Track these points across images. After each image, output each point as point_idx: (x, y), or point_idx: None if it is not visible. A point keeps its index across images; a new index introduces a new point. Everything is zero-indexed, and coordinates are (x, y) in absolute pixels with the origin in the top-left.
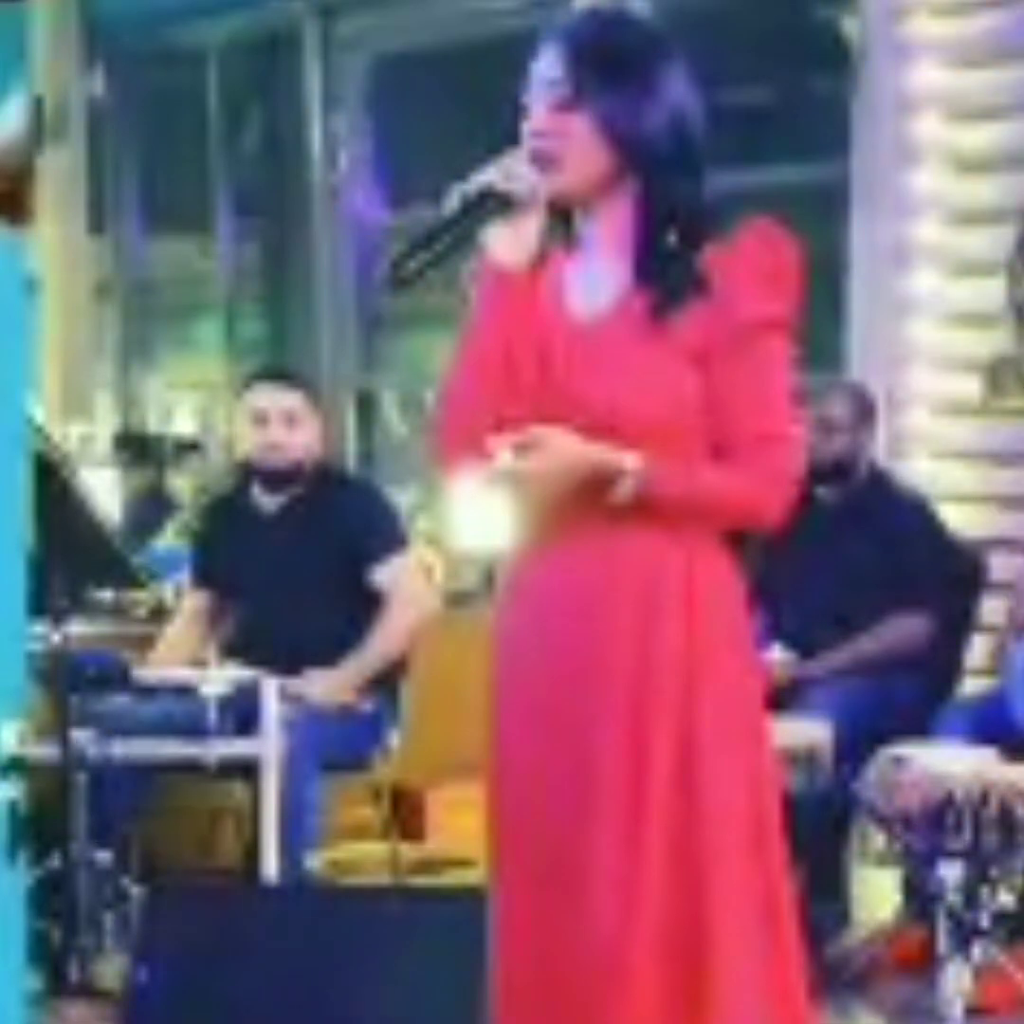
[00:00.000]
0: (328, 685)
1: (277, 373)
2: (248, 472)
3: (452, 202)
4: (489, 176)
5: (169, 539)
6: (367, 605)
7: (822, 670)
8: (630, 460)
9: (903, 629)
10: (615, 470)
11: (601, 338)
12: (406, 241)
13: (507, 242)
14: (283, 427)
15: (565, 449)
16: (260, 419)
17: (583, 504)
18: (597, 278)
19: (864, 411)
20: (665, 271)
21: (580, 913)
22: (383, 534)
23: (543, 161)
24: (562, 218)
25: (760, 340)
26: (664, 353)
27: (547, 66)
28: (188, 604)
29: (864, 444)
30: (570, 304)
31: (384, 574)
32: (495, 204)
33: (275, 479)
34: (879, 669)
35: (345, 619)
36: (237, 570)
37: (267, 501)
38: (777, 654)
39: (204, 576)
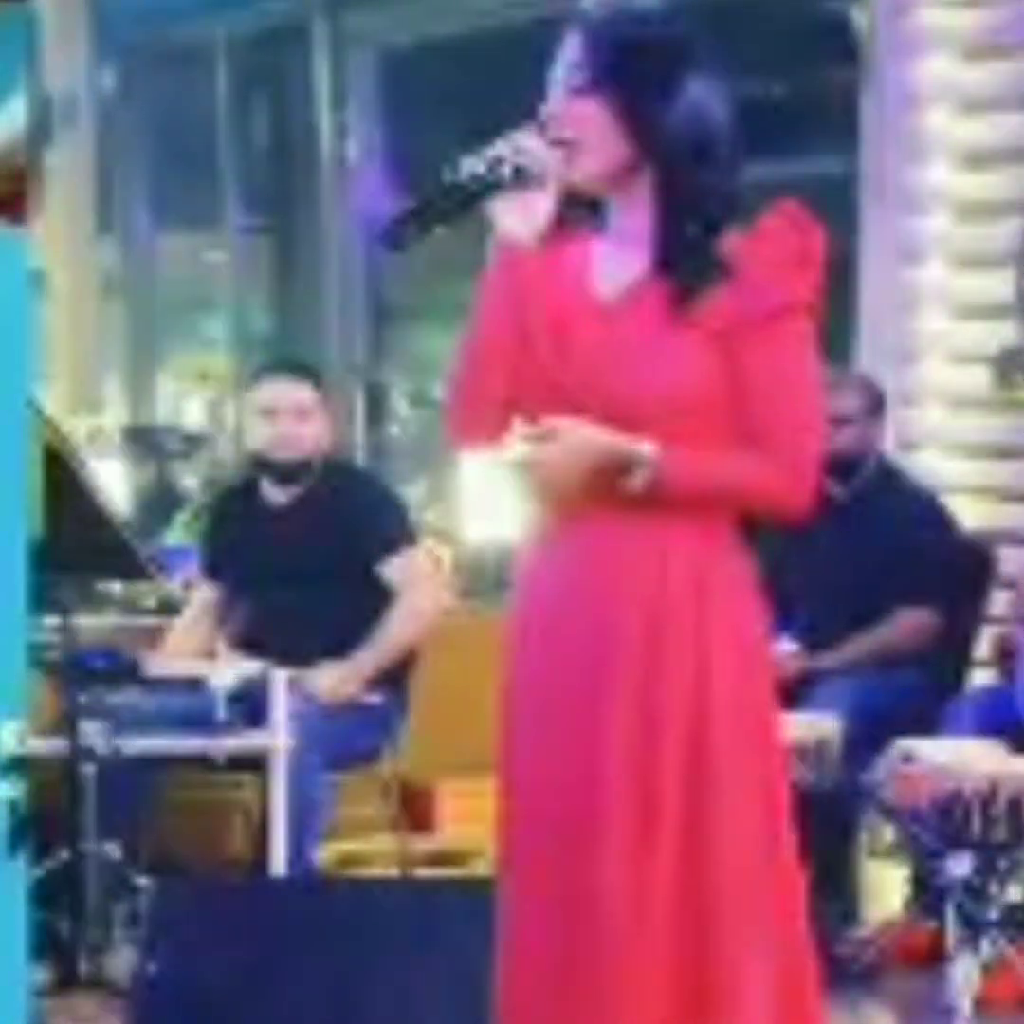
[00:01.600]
0: (337, 679)
1: (286, 366)
2: (257, 465)
3: (459, 170)
4: (498, 150)
5: (177, 532)
6: (376, 599)
7: (831, 663)
8: (646, 448)
9: (911, 622)
10: (631, 459)
11: (622, 322)
12: (408, 203)
13: (515, 216)
14: (293, 420)
15: (580, 438)
16: (270, 412)
17: (597, 494)
18: (621, 263)
19: (873, 404)
20: (685, 260)
21: (589, 913)
22: (391, 528)
23: (565, 147)
24: (591, 202)
25: (786, 324)
26: (686, 338)
27: (569, 53)
28: (197, 597)
29: (873, 437)
30: (594, 287)
31: (393, 568)
32: (502, 177)
33: (284, 472)
34: (887, 663)
35: (354, 613)
36: (246, 563)
37: (276, 494)
38: (785, 647)
39: (213, 569)
